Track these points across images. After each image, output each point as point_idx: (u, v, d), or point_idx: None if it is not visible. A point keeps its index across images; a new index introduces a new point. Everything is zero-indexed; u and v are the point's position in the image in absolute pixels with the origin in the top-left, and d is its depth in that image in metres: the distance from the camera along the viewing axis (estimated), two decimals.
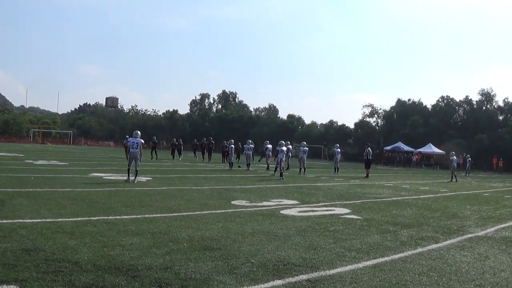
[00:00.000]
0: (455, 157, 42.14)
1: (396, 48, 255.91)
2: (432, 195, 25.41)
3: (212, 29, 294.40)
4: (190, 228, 11.70)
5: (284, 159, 34.31)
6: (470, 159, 57.96)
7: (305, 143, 43.15)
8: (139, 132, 24.29)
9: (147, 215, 13.40)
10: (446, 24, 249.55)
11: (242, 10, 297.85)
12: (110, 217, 12.73)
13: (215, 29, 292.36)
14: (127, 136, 43.23)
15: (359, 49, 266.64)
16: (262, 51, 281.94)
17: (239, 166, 43.21)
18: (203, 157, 53.50)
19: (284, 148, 34.49)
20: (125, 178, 23.21)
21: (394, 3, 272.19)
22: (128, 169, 23.21)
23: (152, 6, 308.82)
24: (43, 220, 11.79)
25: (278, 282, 7.57)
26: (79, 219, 12.23)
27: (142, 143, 23.79)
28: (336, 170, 42.99)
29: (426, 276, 8.44)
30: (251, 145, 43.28)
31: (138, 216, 13.17)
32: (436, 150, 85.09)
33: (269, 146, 44.89)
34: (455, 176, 41.47)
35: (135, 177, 23.18)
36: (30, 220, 11.59)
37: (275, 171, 32.83)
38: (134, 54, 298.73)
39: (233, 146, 43.43)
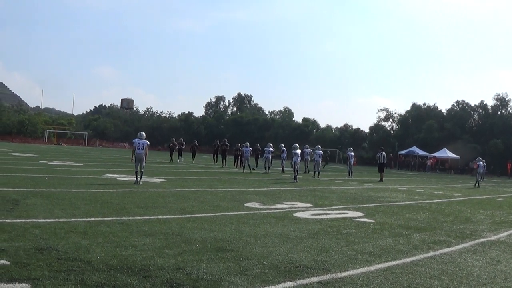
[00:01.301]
0: (481, 163, 41.66)
1: (411, 52, 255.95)
2: (445, 200, 25.36)
3: (227, 32, 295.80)
4: (203, 230, 11.74)
5: (298, 162, 34.20)
6: (484, 163, 57.68)
7: (319, 146, 43.16)
8: (144, 134, 24.26)
9: (160, 216, 13.45)
10: (462, 28, 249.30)
11: (257, 13, 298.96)
12: (124, 218, 12.78)
13: (230, 32, 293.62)
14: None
15: (374, 53, 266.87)
16: (277, 54, 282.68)
17: (253, 169, 42.98)
18: (216, 160, 51.58)
19: (299, 151, 34.38)
20: (138, 181, 23.08)
21: (409, 7, 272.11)
22: (136, 172, 23.14)
23: (167, 9, 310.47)
24: (57, 220, 11.86)
25: (290, 284, 7.60)
26: (93, 219, 12.30)
27: (148, 144, 23.77)
28: (350, 173, 42.94)
29: (438, 280, 8.44)
30: (271, 149, 43.18)
31: (151, 217, 13.22)
32: (451, 154, 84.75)
33: (285, 149, 44.81)
34: (478, 182, 41.15)
35: (140, 178, 23.12)
36: (43, 220, 11.67)
37: (294, 178, 32.59)
38: (149, 56, 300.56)
39: (249, 148, 43.20)
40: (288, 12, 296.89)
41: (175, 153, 51.94)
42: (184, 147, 53.81)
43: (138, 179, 22.91)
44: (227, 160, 47.92)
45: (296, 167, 33.28)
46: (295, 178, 32.42)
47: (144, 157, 23.32)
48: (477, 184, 40.31)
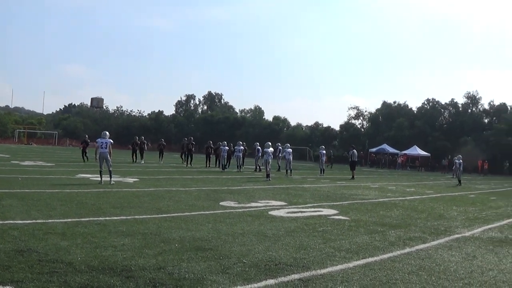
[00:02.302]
0: (461, 161, 41.78)
1: (382, 51, 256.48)
2: (418, 197, 25.58)
3: (198, 30, 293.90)
4: (181, 229, 11.77)
5: (270, 160, 34.28)
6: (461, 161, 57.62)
7: (289, 144, 43.28)
8: (107, 133, 24.23)
9: (136, 216, 13.46)
10: (433, 27, 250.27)
11: (229, 11, 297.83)
12: (100, 218, 12.75)
13: (201, 30, 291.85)
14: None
15: (345, 51, 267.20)
16: (248, 52, 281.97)
17: (226, 168, 42.95)
18: (183, 159, 50.63)
19: (271, 150, 34.42)
20: (99, 180, 23.01)
21: (380, 6, 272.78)
22: (100, 171, 23.07)
23: (138, 6, 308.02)
24: (34, 221, 11.81)
25: (271, 281, 7.67)
26: (70, 220, 12.26)
27: (112, 143, 23.79)
28: (322, 171, 43.17)
29: (416, 275, 8.56)
30: (241, 147, 43.23)
31: (128, 217, 13.22)
32: (421, 152, 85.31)
33: (259, 148, 44.86)
34: (459, 180, 40.96)
35: (111, 178, 23.09)
36: (21, 221, 11.62)
37: (267, 176, 32.57)
38: (120, 54, 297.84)
39: (226, 147, 43.22)
40: (259, 10, 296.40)
41: (138, 154, 48.81)
42: (145, 147, 50.52)
43: (108, 178, 22.94)
44: (193, 159, 46.73)
45: (268, 166, 33.34)
46: (267, 176, 32.49)
47: (108, 156, 23.31)
48: (459, 182, 40.24)
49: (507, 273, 9.27)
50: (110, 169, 23.29)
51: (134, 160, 47.26)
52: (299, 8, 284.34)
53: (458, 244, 11.96)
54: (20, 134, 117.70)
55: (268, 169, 33.07)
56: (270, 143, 35.91)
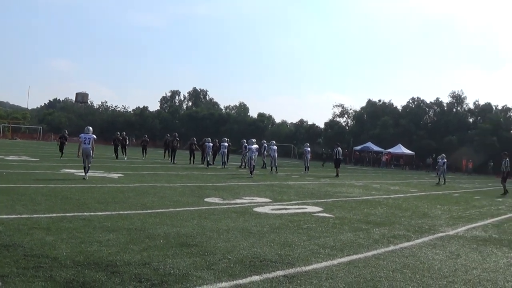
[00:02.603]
0: (445, 160, 41.39)
1: (367, 49, 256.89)
2: (402, 195, 25.72)
3: (183, 26, 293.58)
4: (165, 225, 11.79)
5: (254, 157, 34.25)
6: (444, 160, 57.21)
7: (274, 141, 43.29)
8: (91, 128, 24.29)
9: (121, 212, 13.46)
10: (418, 25, 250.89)
11: (214, 8, 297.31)
12: (85, 214, 12.74)
13: (186, 27, 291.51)
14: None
15: (330, 49, 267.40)
16: (233, 49, 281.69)
17: (210, 164, 42.86)
18: (165, 155, 49.71)
19: (254, 147, 34.34)
20: (83, 175, 22.88)
21: (367, 5, 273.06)
22: (84, 167, 23.06)
23: (125, 2, 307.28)
24: (19, 216, 11.79)
25: (256, 277, 7.71)
26: (55, 215, 12.25)
27: (95, 138, 23.75)
28: (307, 169, 43.22)
29: (400, 273, 8.62)
30: (225, 143, 43.22)
31: (112, 213, 13.22)
32: (406, 150, 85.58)
33: (246, 145, 44.82)
34: (440, 178, 40.56)
35: (86, 173, 22.96)
36: (5, 216, 11.59)
37: (251, 173, 32.57)
38: (105, 49, 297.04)
39: (211, 144, 43.14)
40: (245, 8, 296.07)
41: (120, 149, 47.52)
42: (127, 142, 49.23)
43: (86, 174, 22.79)
44: (175, 155, 45.45)
45: (252, 162, 33.33)
46: (251, 173, 32.55)
47: (91, 151, 23.27)
48: (442, 181, 39.94)
49: (490, 271, 9.34)
50: (89, 165, 23.30)
51: (117, 156, 46.27)
52: (284, 5, 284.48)
53: (442, 243, 12.05)
54: (5, 128, 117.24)
55: (251, 166, 33.05)
56: (254, 140, 35.89)
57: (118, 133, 49.71)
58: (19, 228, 10.27)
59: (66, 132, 46.36)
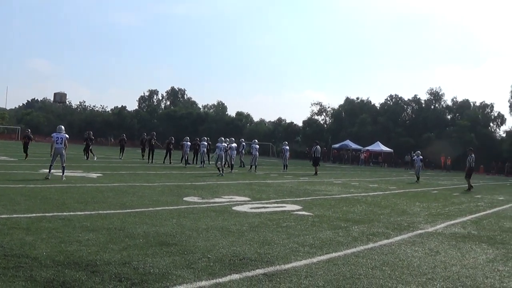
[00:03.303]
0: (421, 157, 41.36)
1: (345, 46, 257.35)
2: (381, 192, 25.84)
3: (161, 25, 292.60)
4: (145, 224, 11.80)
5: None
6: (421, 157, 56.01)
7: (256, 140, 43.37)
8: (63, 127, 24.09)
9: (101, 211, 13.45)
10: (394, 22, 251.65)
11: (191, 7, 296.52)
12: (65, 213, 12.73)
13: (164, 26, 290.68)
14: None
15: (307, 47, 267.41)
16: (211, 48, 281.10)
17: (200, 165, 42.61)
18: (143, 155, 48.78)
19: (223, 145, 34.13)
20: (48, 175, 22.63)
21: (343, 2, 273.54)
22: (50, 166, 23.00)
23: (102, 1, 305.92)
24: None
25: (236, 276, 7.74)
26: (34, 215, 12.23)
27: (67, 138, 23.63)
28: (285, 167, 43.28)
29: (379, 270, 8.68)
30: (204, 143, 43.20)
31: (92, 212, 13.20)
32: (384, 148, 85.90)
33: (244, 144, 44.79)
34: (418, 176, 39.94)
35: (63, 173, 22.76)
36: None
37: (222, 170, 32.51)
38: (83, 49, 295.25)
39: (188, 143, 43.00)
40: (221, 6, 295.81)
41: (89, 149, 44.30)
42: (92, 142, 45.99)
43: (60, 173, 22.78)
44: (154, 154, 44.84)
45: (222, 161, 33.29)
46: (219, 170, 32.67)
47: (63, 151, 23.21)
48: (417, 180, 39.23)
49: (470, 268, 9.42)
50: (64, 164, 23.10)
51: (87, 156, 43.89)
52: (262, 4, 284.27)
53: (421, 240, 12.15)
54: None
55: (220, 164, 33.02)
56: (223, 138, 35.70)
57: (90, 132, 46.94)
58: None
59: (30, 131, 44.85)
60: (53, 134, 23.32)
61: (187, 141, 42.75)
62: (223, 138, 35.55)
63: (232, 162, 36.06)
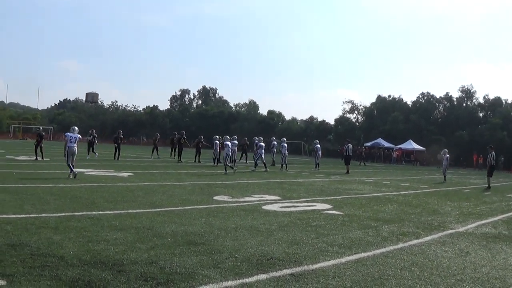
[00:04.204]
0: (447, 155, 39.55)
1: (376, 44, 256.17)
2: (412, 191, 25.61)
3: (192, 25, 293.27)
4: (174, 223, 11.78)
5: (230, 153, 33.48)
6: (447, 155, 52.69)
7: (285, 139, 43.20)
8: (76, 128, 24.53)
9: (130, 211, 13.47)
10: (428, 20, 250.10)
11: (222, 7, 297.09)
12: (94, 213, 12.76)
13: (195, 26, 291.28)
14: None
15: (339, 45, 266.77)
16: (242, 47, 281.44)
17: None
18: (172, 153, 48.18)
19: (230, 143, 33.51)
20: (70, 174, 22.65)
21: (375, 0, 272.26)
22: (69, 165, 22.98)
23: (133, 2, 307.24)
24: (27, 215, 11.81)
25: (263, 276, 7.67)
26: (63, 214, 12.27)
27: (80, 137, 24.25)
28: (317, 166, 43.12)
29: (408, 271, 8.55)
30: (235, 141, 43.14)
31: (121, 212, 13.23)
32: (416, 146, 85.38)
33: (275, 143, 44.61)
34: (445, 176, 38.35)
35: (71, 171, 22.80)
36: (14, 216, 11.62)
37: (225, 169, 31.79)
38: (114, 49, 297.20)
39: (218, 142, 42.79)
40: (254, 5, 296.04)
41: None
42: (96, 141, 45.10)
43: (73, 171, 22.85)
44: (182, 153, 45.12)
45: (228, 159, 32.65)
46: (225, 169, 32.43)
47: (76, 150, 23.49)
48: (444, 179, 37.55)
49: (500, 269, 9.26)
50: (73, 163, 23.25)
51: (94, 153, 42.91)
52: (293, 2, 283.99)
53: (451, 240, 11.97)
54: (16, 129, 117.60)
55: (225, 162, 32.64)
56: (228, 137, 35.11)
57: (91, 130, 46.12)
58: (27, 227, 10.28)
59: (41, 128, 43.50)
60: (67, 133, 23.63)
61: (216, 140, 42.55)
62: (228, 137, 34.93)
63: (264, 161, 36.00)
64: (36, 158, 35.52)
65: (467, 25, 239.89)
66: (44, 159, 35.51)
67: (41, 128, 43.12)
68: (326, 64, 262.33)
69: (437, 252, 10.32)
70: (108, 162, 36.47)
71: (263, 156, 37.04)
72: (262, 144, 38.11)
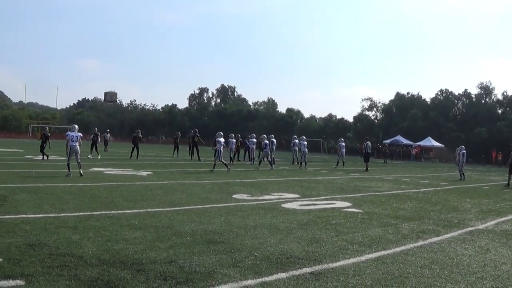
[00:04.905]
0: (464, 151, 37.94)
1: (395, 41, 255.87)
2: (432, 188, 25.47)
3: (210, 23, 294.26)
4: (193, 222, 11.76)
5: (221, 150, 32.50)
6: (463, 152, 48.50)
7: (304, 137, 43.10)
8: (76, 126, 25.02)
9: (149, 209, 13.46)
10: (445, 16, 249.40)
11: (240, 4, 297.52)
12: (113, 212, 12.77)
13: (213, 24, 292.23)
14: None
15: (357, 42, 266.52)
16: (261, 44, 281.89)
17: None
18: (189, 153, 46.87)
19: (222, 140, 32.56)
20: (67, 173, 22.94)
21: None
22: (68, 164, 23.38)
23: (150, 0, 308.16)
24: (46, 215, 11.83)
25: (282, 275, 7.63)
26: (82, 213, 12.28)
27: (81, 136, 24.44)
28: (342, 163, 43.03)
29: (428, 269, 8.48)
30: (253, 140, 43.09)
31: (140, 211, 13.23)
32: (435, 143, 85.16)
33: (296, 141, 44.56)
34: (462, 173, 36.60)
35: (80, 168, 23.22)
36: (33, 215, 11.63)
37: (213, 167, 31.11)
38: (132, 48, 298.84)
39: (234, 140, 42.70)
40: (271, 3, 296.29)
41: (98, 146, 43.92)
42: (98, 139, 45.62)
43: (80, 170, 23.11)
44: (199, 151, 44.64)
45: (220, 157, 31.34)
46: (213, 167, 31.12)
47: (79, 148, 23.85)
48: (462, 177, 36.04)
49: None
50: (79, 160, 23.61)
51: (91, 152, 42.58)
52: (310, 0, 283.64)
53: (471, 237, 11.87)
54: (34, 129, 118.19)
55: (218, 160, 31.09)
56: (221, 133, 33.88)
57: (96, 128, 49.61)
58: (45, 227, 10.28)
59: (47, 129, 42.34)
60: (68, 133, 24.00)
61: (232, 138, 42.32)
62: (221, 133, 33.69)
63: (269, 159, 36.04)
64: (43, 158, 35.46)
65: (486, 21, 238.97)
66: (48, 158, 35.35)
67: (47, 128, 42.20)
68: (344, 61, 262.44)
69: (457, 250, 10.23)
70: (127, 161, 36.55)
71: (268, 153, 37.01)
72: (267, 141, 38.23)
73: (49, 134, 40.53)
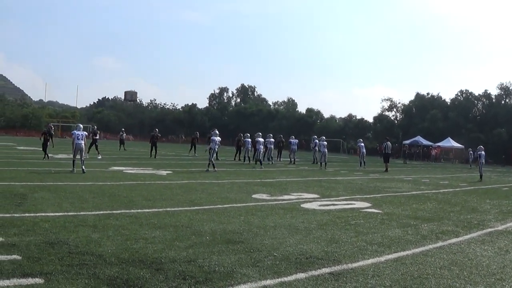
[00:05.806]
0: (482, 152, 37.24)
1: (415, 42, 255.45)
2: (451, 189, 25.36)
3: (231, 23, 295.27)
4: (212, 222, 11.76)
5: (217, 149, 31.83)
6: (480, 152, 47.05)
7: (324, 137, 43.04)
8: (81, 126, 25.66)
9: (168, 209, 13.47)
10: (465, 17, 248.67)
11: (261, 4, 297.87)
12: (132, 211, 12.80)
13: (234, 24, 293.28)
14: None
15: (377, 42, 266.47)
16: (281, 44, 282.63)
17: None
18: (195, 151, 48.94)
19: (218, 139, 31.95)
20: (72, 170, 23.45)
21: None
22: (74, 161, 23.76)
23: (170, 0, 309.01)
24: (66, 213, 11.87)
25: (301, 275, 7.61)
26: (101, 212, 12.31)
27: (86, 135, 25.47)
28: (362, 164, 42.96)
29: (447, 270, 8.44)
30: (271, 139, 43.04)
31: (159, 210, 13.24)
32: (455, 144, 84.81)
33: (317, 141, 44.43)
34: (481, 174, 36.13)
35: (83, 166, 23.69)
36: (52, 214, 11.68)
37: (208, 166, 30.32)
38: (153, 47, 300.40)
39: (249, 140, 42.26)
40: (292, 3, 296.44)
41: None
42: (98, 137, 43.99)
43: (83, 167, 23.60)
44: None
45: (212, 155, 30.61)
46: (208, 166, 29.68)
47: (84, 146, 24.61)
48: (480, 178, 35.57)
49: None
50: (83, 159, 24.19)
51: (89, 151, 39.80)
52: (331, 0, 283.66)
53: (491, 238, 11.81)
54: (54, 127, 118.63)
55: (211, 159, 29.93)
56: (217, 131, 32.88)
57: (95, 127, 48.62)
58: (65, 225, 10.33)
59: (52, 127, 40.96)
60: (74, 131, 24.80)
61: (248, 138, 42.05)
62: (217, 132, 32.88)
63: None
64: (45, 157, 33.78)
65: (505, 22, 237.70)
66: (48, 155, 34.35)
67: (52, 126, 41.22)
68: (365, 61, 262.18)
69: (477, 251, 10.18)
70: (146, 160, 36.63)
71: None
72: (272, 140, 38.93)
73: (53, 133, 39.32)
